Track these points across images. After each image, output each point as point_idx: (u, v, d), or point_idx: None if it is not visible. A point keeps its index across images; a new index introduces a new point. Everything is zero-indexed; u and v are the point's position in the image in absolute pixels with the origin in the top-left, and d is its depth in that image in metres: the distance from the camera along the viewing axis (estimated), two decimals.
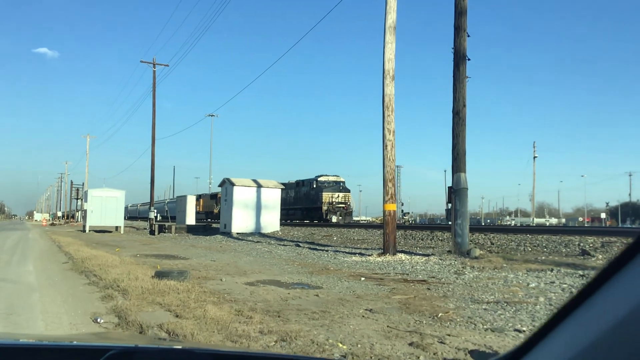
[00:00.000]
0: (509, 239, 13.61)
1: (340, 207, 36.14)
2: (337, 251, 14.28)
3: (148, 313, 5.44)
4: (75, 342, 1.76)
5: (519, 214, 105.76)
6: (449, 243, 14.85)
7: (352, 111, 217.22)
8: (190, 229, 29.22)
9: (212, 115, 65.94)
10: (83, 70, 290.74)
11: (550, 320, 0.90)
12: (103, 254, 12.78)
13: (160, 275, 7.90)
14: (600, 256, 10.40)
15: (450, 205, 12.26)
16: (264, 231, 24.17)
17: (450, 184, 12.44)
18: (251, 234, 23.52)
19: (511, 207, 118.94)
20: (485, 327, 4.76)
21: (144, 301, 6.03)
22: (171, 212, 42.31)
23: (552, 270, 8.69)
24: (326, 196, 36.16)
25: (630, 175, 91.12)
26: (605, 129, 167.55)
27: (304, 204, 38.76)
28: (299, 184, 40.23)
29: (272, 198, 24.90)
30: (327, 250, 14.54)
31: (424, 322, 4.98)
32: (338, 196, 36.47)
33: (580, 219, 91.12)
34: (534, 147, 72.00)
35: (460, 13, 12.31)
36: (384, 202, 12.49)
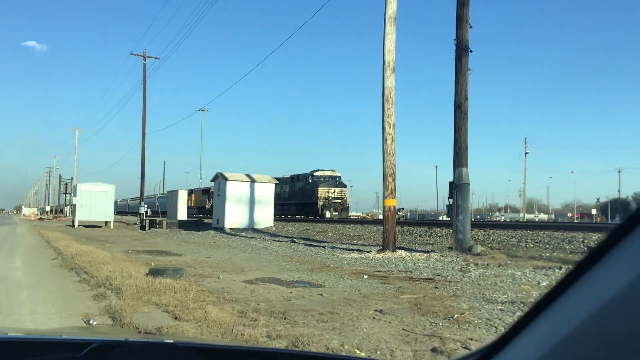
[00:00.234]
0: (509, 235, 13.37)
1: (337, 202, 35.49)
2: (334, 247, 13.98)
3: (144, 314, 5.10)
4: (56, 336, 1.70)
5: (508, 210, 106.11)
6: (449, 239, 14.61)
7: (342, 106, 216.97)
8: (182, 224, 28.79)
9: (202, 110, 65.37)
10: (72, 63, 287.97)
11: (526, 314, 0.90)
12: (93, 250, 12.38)
13: (154, 272, 7.54)
14: None
15: (451, 200, 11.99)
16: (257, 226, 23.82)
17: (445, 180, 12.17)
18: (244, 229, 23.15)
19: (500, 203, 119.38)
20: None
21: (139, 301, 5.69)
22: (162, 207, 41.74)
23: (560, 268, 8.44)
24: (322, 191, 35.44)
25: (619, 172, 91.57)
26: (594, 125, 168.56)
27: (299, 199, 38.00)
28: (294, 178, 39.35)
29: (266, 193, 24.54)
30: (323, 247, 14.23)
31: (441, 324, 4.68)
32: (334, 191, 35.75)
33: (570, 214, 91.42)
34: (525, 143, 72.17)
35: (462, 4, 12.01)
36: (384, 197, 12.20)
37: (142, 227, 28.97)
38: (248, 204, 23.93)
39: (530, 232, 13.23)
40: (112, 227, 31.61)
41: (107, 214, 32.52)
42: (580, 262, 0.81)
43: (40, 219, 65.34)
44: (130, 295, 5.92)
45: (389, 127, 12.23)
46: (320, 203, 34.92)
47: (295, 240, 16.96)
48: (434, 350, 3.75)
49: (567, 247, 11.29)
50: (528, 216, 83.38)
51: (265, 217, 24.37)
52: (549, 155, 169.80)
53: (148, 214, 34.87)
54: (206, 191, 47.19)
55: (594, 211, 78.51)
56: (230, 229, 23.12)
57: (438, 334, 4.27)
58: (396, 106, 12.35)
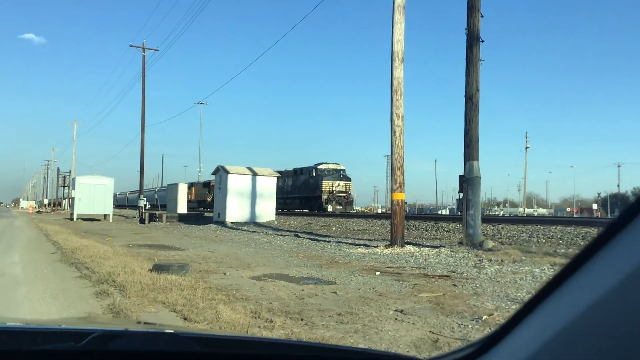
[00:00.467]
0: (519, 230, 13.06)
1: (341, 196, 34.78)
2: (339, 242, 13.67)
3: (151, 314, 4.79)
4: (56, 326, 1.68)
5: (507, 205, 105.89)
6: (457, 234, 14.31)
7: (343, 99, 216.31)
8: (182, 218, 28.46)
9: (201, 103, 64.88)
10: (70, 56, 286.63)
11: (524, 307, 0.91)
12: (93, 244, 12.06)
13: (159, 268, 7.23)
14: None
15: (461, 194, 11.68)
16: (259, 220, 23.50)
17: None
18: (246, 223, 22.84)
19: (499, 198, 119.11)
20: None
21: (144, 299, 5.37)
22: (161, 201, 41.35)
23: None
24: (326, 185, 34.67)
25: (619, 167, 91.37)
26: (594, 119, 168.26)
27: (302, 193, 37.28)
28: (297, 172, 38.56)
29: (268, 186, 24.20)
30: (328, 241, 13.92)
31: (470, 326, 4.37)
32: (339, 185, 35.01)
33: (569, 209, 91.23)
34: (526, 137, 71.95)
35: None
36: (392, 190, 11.90)
37: (142, 221, 28.63)
38: (250, 197, 23.59)
39: (541, 227, 12.92)
40: (111, 220, 31.27)
41: (106, 207, 32.16)
42: (577, 255, 0.83)
43: (39, 212, 64.98)
44: (135, 293, 5.61)
45: (398, 119, 11.90)
46: (325, 197, 34.23)
47: (299, 234, 16.65)
48: None
49: (581, 242, 10.99)
50: (527, 210, 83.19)
51: (267, 210, 24.04)
52: (549, 150, 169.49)
53: (147, 207, 34.50)
54: (207, 184, 46.79)
55: (594, 206, 78.21)
56: (232, 222, 22.80)
57: (469, 337, 3.96)
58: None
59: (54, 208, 74.72)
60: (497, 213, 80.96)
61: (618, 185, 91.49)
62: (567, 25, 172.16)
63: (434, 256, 10.10)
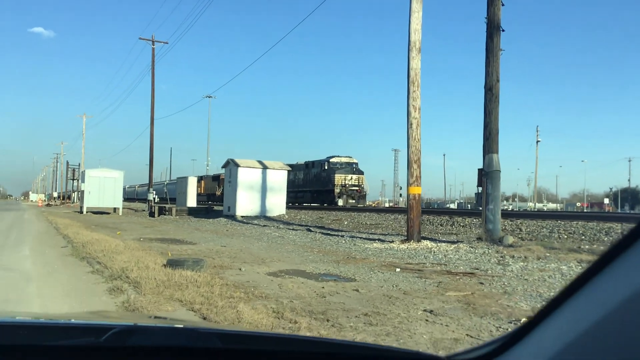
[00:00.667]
0: (539, 225, 12.73)
1: (354, 189, 34.15)
2: (353, 237, 13.40)
3: (168, 313, 4.56)
4: (75, 320, 1.69)
5: (517, 199, 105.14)
6: (473, 229, 14.02)
7: (351, 93, 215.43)
8: (192, 212, 28.29)
9: (209, 97, 64.70)
10: (79, 49, 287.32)
11: (546, 306, 0.90)
12: (104, 238, 11.87)
13: (173, 263, 6.99)
14: None
15: (480, 188, 11.38)
16: (269, 214, 23.27)
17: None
18: (256, 217, 22.61)
19: (508, 192, 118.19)
20: None
21: (160, 296, 5.14)
22: (170, 194, 41.22)
23: None
24: (339, 178, 34.03)
25: (629, 161, 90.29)
26: (605, 113, 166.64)
27: (313, 187, 36.71)
28: (309, 165, 37.96)
29: (278, 180, 23.94)
30: (342, 236, 13.66)
31: (509, 329, 4.10)
32: (351, 178, 34.35)
33: (579, 204, 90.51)
34: (537, 131, 71.29)
35: None
36: (409, 184, 11.59)
37: (152, 214, 28.49)
38: (260, 191, 23.34)
39: (562, 223, 12.58)
40: (120, 213, 31.16)
41: (115, 200, 32.05)
42: (603, 253, 0.81)
43: (48, 205, 65.20)
44: (150, 290, 5.37)
45: (415, 111, 11.59)
46: (337, 190, 33.69)
47: (311, 229, 16.39)
48: None
49: (605, 238, 10.66)
50: (537, 205, 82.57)
51: (277, 204, 23.79)
52: (559, 144, 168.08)
53: (156, 201, 34.39)
54: (216, 178, 46.55)
55: (606, 200, 77.54)
56: (242, 216, 22.58)
57: None
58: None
59: (63, 201, 74.97)
60: (506, 207, 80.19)
61: (629, 180, 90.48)
62: (580, 16, 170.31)
63: (453, 252, 9.81)
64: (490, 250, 9.74)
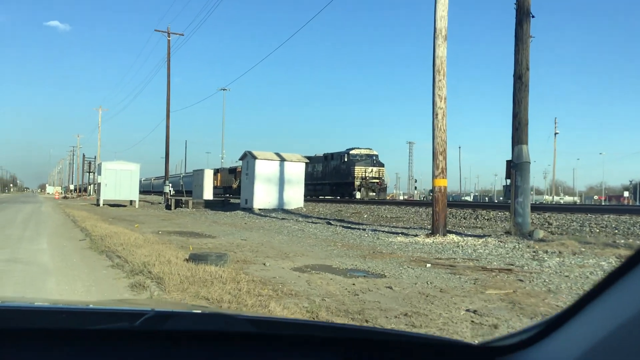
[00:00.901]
0: (568, 219, 12.30)
1: (374, 182, 33.41)
2: (375, 230, 13.08)
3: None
4: (109, 307, 1.73)
5: (533, 192, 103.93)
6: (498, 223, 13.63)
7: (368, 85, 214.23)
8: (208, 204, 28.13)
9: (224, 90, 64.51)
10: (95, 42, 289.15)
11: (582, 298, 0.89)
12: (123, 231, 11.69)
13: (195, 258, 6.74)
14: None
15: (509, 181, 10.99)
16: (287, 207, 23.00)
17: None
18: (274, 210, 22.36)
19: None
20: None
21: (185, 294, 4.87)
22: (186, 187, 41.18)
23: None
24: (359, 170, 33.34)
25: None
26: (623, 105, 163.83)
27: (333, 179, 36.13)
28: (328, 157, 37.33)
29: (296, 172, 23.65)
30: (364, 229, 13.34)
31: None
32: (372, 170, 33.65)
33: (596, 197, 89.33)
34: (555, 123, 70.33)
35: None
36: (434, 176, 11.24)
37: (168, 207, 28.40)
38: (277, 183, 23.08)
39: (592, 216, 12.14)
40: (137, 206, 31.14)
41: (132, 193, 32.04)
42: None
43: (65, 197, 65.65)
44: (174, 287, 5.11)
45: (440, 101, 11.21)
46: (357, 183, 33.09)
47: (331, 222, 16.09)
48: None
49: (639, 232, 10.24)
50: (555, 198, 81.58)
51: (295, 197, 23.51)
52: (577, 136, 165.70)
53: (172, 193, 34.31)
54: (232, 170, 46.39)
55: (626, 193, 76.22)
56: (259, 209, 22.35)
57: None
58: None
59: (79, 194, 75.53)
60: None
61: None
62: (604, 5, 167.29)
63: (482, 246, 9.46)
64: (520, 245, 9.36)
